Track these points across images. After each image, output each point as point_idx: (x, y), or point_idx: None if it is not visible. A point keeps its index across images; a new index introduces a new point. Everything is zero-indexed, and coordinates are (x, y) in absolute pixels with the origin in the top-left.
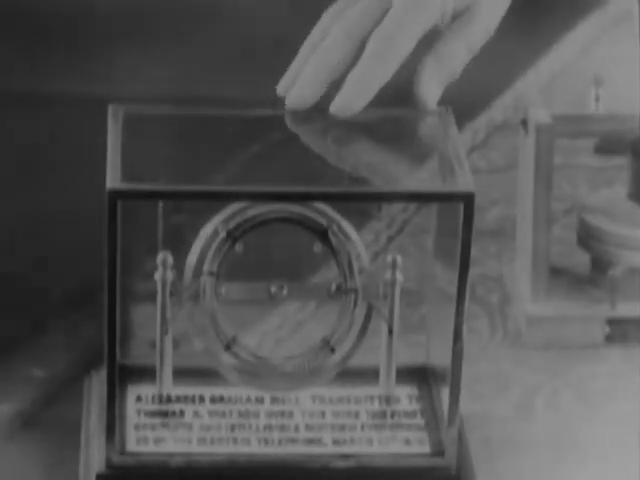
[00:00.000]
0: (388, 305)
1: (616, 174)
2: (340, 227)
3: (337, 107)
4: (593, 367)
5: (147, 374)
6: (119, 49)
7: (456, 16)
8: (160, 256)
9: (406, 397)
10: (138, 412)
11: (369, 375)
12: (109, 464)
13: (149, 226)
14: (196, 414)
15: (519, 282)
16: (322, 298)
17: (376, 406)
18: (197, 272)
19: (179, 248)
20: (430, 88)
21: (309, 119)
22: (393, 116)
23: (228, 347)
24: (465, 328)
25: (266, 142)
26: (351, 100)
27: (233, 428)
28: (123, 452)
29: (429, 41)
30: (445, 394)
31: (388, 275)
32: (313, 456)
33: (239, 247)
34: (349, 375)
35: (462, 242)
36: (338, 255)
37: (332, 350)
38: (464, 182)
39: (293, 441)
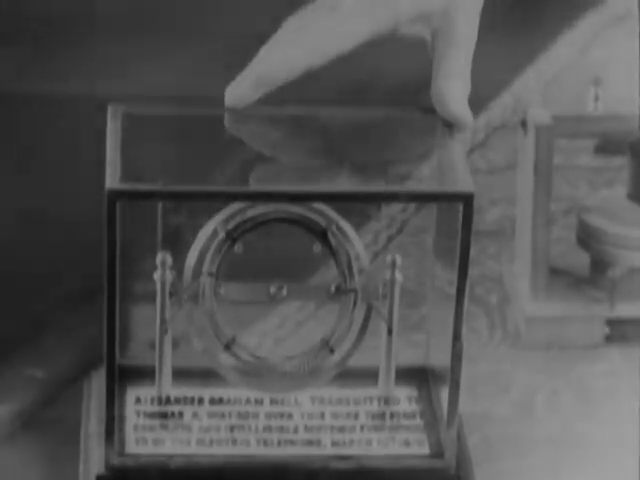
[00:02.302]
0: (387, 305)
1: (616, 174)
2: (339, 227)
3: (265, 63)
4: (593, 367)
5: (146, 375)
6: (119, 49)
7: (419, 20)
8: (159, 256)
9: (405, 398)
10: (137, 413)
11: (368, 376)
12: (108, 465)
13: (149, 226)
14: (195, 415)
15: (518, 282)
16: (321, 298)
17: (375, 407)
18: (196, 272)
19: (178, 248)
20: (460, 107)
21: (307, 119)
22: (393, 116)
23: (227, 347)
24: (464, 328)
25: (265, 142)
26: (278, 69)
27: (232, 429)
28: (122, 453)
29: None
30: (444, 395)
31: (387, 275)
32: (312, 457)
33: (238, 247)
34: (348, 376)
35: (461, 242)
36: (337, 255)
37: (331, 350)
38: (464, 182)
39: (292, 442)
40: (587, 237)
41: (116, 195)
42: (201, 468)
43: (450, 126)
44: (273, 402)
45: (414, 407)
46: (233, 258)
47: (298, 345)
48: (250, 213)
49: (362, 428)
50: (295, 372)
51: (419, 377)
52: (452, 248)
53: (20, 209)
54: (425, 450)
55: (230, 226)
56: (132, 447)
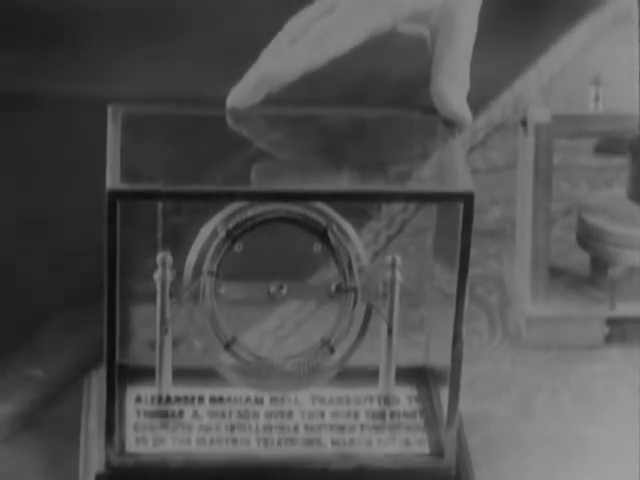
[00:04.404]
0: (387, 305)
1: (616, 174)
2: (339, 227)
3: (265, 65)
4: (593, 367)
5: (147, 374)
6: (119, 49)
7: (417, 18)
8: (160, 256)
9: (405, 397)
10: (137, 412)
11: (368, 375)
12: (108, 464)
13: (149, 226)
14: (195, 414)
15: (519, 282)
16: (322, 298)
17: (375, 406)
18: (197, 272)
19: (179, 248)
20: (461, 106)
21: (307, 119)
22: (393, 116)
23: (228, 347)
24: (465, 328)
25: (265, 142)
26: (278, 70)
27: (232, 428)
28: (122, 452)
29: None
30: (445, 394)
31: (387, 275)
32: (312, 457)
33: (238, 247)
34: (348, 375)
35: (461, 242)
36: (337, 255)
37: (331, 350)
38: (464, 182)
39: (292, 441)
40: (587, 236)
41: (116, 195)
42: (201, 467)
43: (450, 126)
44: (273, 401)
45: (414, 406)
46: (233, 258)
47: (298, 344)
48: (250, 212)
49: (362, 427)
50: (295, 371)
51: (419, 377)
52: (452, 248)
53: (20, 209)
54: (425, 449)
55: (230, 225)
56: (132, 446)
